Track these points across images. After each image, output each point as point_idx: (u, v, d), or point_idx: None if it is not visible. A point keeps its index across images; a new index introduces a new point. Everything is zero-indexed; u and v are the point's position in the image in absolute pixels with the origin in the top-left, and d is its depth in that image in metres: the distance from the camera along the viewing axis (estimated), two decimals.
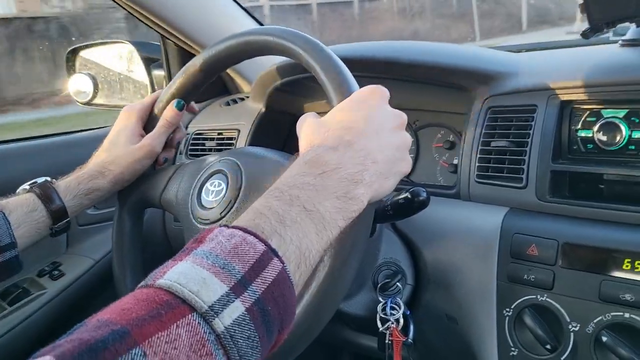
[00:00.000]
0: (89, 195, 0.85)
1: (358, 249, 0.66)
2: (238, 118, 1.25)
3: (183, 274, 0.40)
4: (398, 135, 0.62)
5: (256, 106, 1.23)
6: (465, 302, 0.86)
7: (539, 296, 0.78)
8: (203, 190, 0.82)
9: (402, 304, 0.85)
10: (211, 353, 0.37)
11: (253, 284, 0.42)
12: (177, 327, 0.37)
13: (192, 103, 0.92)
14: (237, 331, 0.39)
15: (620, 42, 0.91)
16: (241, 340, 0.40)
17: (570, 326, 0.76)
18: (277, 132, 1.24)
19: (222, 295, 0.40)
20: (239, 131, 1.22)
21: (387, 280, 0.87)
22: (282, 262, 0.45)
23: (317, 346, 0.74)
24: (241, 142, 1.21)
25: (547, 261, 0.78)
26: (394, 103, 1.04)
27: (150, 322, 0.37)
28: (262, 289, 0.42)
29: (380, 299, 0.86)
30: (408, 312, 0.86)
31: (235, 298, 0.40)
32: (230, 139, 1.23)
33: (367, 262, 0.87)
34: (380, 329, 0.84)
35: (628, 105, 0.78)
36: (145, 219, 0.97)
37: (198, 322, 0.38)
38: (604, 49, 0.95)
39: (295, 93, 1.18)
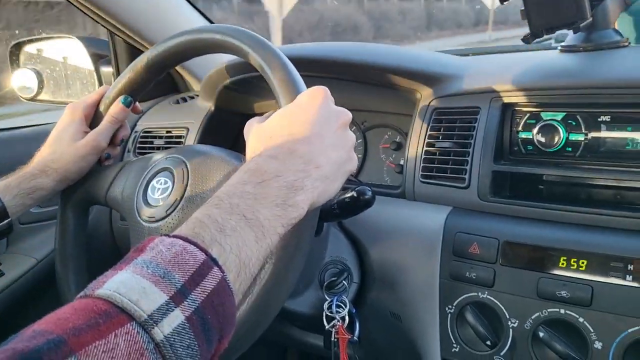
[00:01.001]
0: (32, 194, 0.82)
1: (302, 249, 0.67)
2: (187, 116, 1.23)
3: (122, 283, 0.40)
4: (342, 135, 0.62)
5: (205, 105, 1.22)
6: (409, 299, 0.87)
7: (480, 293, 0.80)
8: (149, 188, 0.81)
9: (347, 302, 0.86)
10: None
11: (193, 293, 0.42)
12: (116, 336, 0.37)
13: (137, 103, 0.90)
14: (176, 340, 0.39)
15: (559, 47, 0.94)
16: (180, 349, 0.40)
17: (509, 322, 0.78)
18: (226, 130, 1.24)
19: (161, 304, 0.40)
20: (187, 129, 1.21)
21: (333, 279, 0.87)
22: (222, 272, 0.45)
23: (264, 345, 0.74)
24: (190, 141, 1.19)
25: (488, 259, 0.80)
26: (342, 103, 1.05)
27: (88, 331, 0.36)
28: (202, 298, 0.42)
29: (327, 297, 0.86)
30: (354, 310, 0.87)
31: (175, 307, 0.40)
32: (179, 137, 1.22)
33: (313, 260, 0.88)
34: (327, 327, 0.85)
35: (566, 109, 0.81)
36: (91, 217, 0.95)
37: (137, 331, 0.38)
38: (545, 54, 0.98)
39: (244, 92, 1.18)
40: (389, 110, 1.06)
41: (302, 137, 0.58)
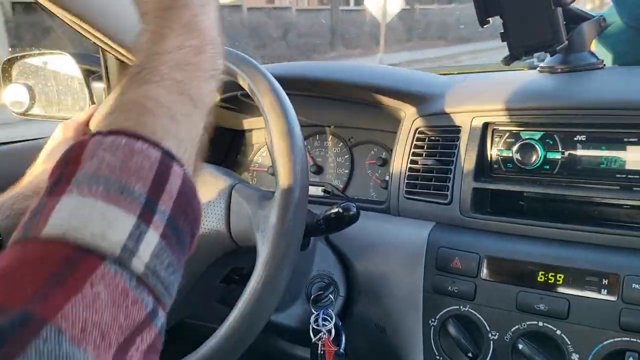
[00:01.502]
0: (23, 216, 0.83)
1: (290, 257, 0.69)
2: None
3: (75, 214, 0.32)
4: None
5: None
6: (393, 312, 0.89)
7: (461, 307, 0.82)
8: None
9: (334, 315, 0.88)
10: (137, 300, 0.31)
11: (160, 203, 0.34)
12: (92, 286, 0.29)
13: None
14: (157, 264, 0.33)
15: (538, 68, 0.98)
16: (162, 272, 0.34)
17: (490, 335, 0.80)
18: (215, 147, 1.26)
19: (132, 229, 0.32)
20: None
21: (319, 293, 0.90)
22: (182, 166, 0.37)
23: (251, 357, 0.76)
24: None
25: (470, 273, 0.82)
26: (330, 120, 1.07)
27: (54, 290, 0.29)
28: (170, 206, 0.35)
29: (313, 310, 0.88)
30: (340, 323, 0.89)
31: (147, 227, 0.33)
32: None
33: (300, 274, 0.90)
34: (313, 340, 0.87)
35: (543, 128, 0.84)
36: None
37: (114, 271, 0.31)
38: (525, 74, 1.01)
39: (234, 109, 1.20)
40: (375, 127, 1.09)
41: None
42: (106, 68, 1.40)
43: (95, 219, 0.31)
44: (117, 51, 1.28)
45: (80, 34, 1.26)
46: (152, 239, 0.33)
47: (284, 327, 0.91)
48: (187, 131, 0.40)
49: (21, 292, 0.28)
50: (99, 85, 1.42)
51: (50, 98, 1.43)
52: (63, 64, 1.42)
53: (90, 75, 1.42)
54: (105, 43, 1.25)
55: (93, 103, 1.39)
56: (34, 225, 0.32)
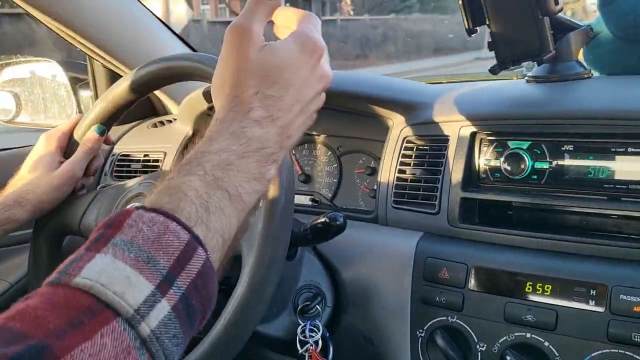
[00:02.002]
0: (4, 226, 0.83)
1: (277, 263, 0.68)
2: (165, 140, 1.24)
3: (104, 272, 0.37)
4: (315, 102, 0.57)
5: (183, 129, 1.23)
6: (381, 323, 0.88)
7: (449, 317, 0.82)
8: None
9: (321, 326, 0.87)
10: (137, 359, 0.36)
11: (179, 279, 0.40)
12: (102, 337, 0.34)
13: (108, 134, 0.91)
14: (162, 332, 0.38)
15: (526, 78, 0.98)
16: (167, 340, 0.38)
17: (478, 346, 0.79)
18: None
19: (148, 296, 0.37)
20: (165, 154, 1.21)
21: (306, 303, 0.89)
22: (206, 251, 0.42)
23: None
24: (167, 165, 1.20)
25: (457, 284, 0.81)
26: (318, 129, 1.07)
27: (71, 332, 0.34)
28: (187, 283, 0.40)
29: (300, 321, 0.87)
30: (327, 334, 0.88)
31: (162, 297, 0.38)
32: (156, 161, 1.23)
33: (287, 285, 0.89)
34: (300, 352, 0.85)
35: (531, 138, 0.84)
36: (67, 243, 0.95)
37: (123, 329, 0.36)
38: (512, 84, 1.01)
39: None
40: (364, 136, 1.08)
41: (287, 105, 0.52)
42: (93, 76, 1.40)
43: (120, 280, 0.37)
44: (104, 59, 1.28)
45: (68, 41, 1.25)
46: (163, 308, 0.38)
47: (270, 338, 0.90)
48: (219, 222, 0.45)
49: (45, 326, 0.33)
50: (86, 93, 1.42)
51: (37, 106, 1.42)
52: (50, 72, 1.41)
53: (77, 83, 1.41)
54: (93, 50, 1.25)
55: (80, 111, 1.38)
56: (68, 273, 0.37)
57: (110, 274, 0.37)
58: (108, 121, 0.88)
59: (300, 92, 0.53)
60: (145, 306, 0.37)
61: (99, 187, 0.95)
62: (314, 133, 1.14)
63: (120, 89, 0.85)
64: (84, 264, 0.38)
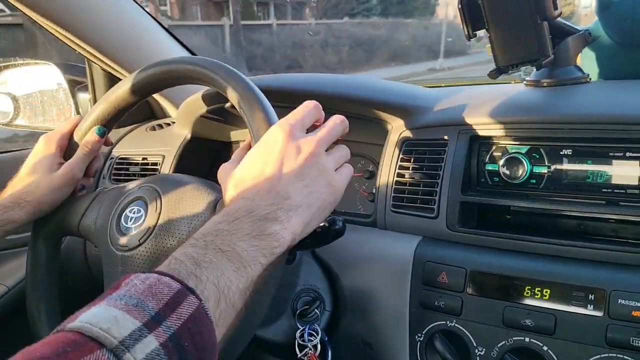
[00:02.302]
0: (3, 227, 0.82)
1: (274, 275, 0.68)
2: (163, 143, 1.24)
3: (94, 315, 0.40)
4: (310, 165, 0.63)
5: (182, 132, 1.23)
6: (380, 327, 0.88)
7: (448, 322, 0.82)
8: (122, 217, 0.82)
9: (319, 330, 0.87)
10: None
11: (168, 320, 0.42)
12: None
13: (108, 135, 0.91)
14: None
15: (524, 82, 0.98)
16: None
17: (476, 350, 0.79)
18: (202, 158, 1.25)
19: (134, 330, 0.40)
20: (163, 157, 1.21)
21: (305, 307, 0.89)
22: (200, 299, 0.45)
23: None
24: (165, 168, 1.20)
25: (456, 288, 0.81)
26: None
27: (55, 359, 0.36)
28: (178, 325, 0.42)
29: (299, 325, 0.87)
30: (326, 338, 0.88)
31: (149, 333, 0.40)
32: (155, 164, 1.22)
33: (286, 289, 0.89)
34: (299, 355, 0.86)
35: (530, 142, 0.84)
36: (65, 245, 0.95)
37: (107, 357, 0.37)
38: (511, 88, 1.01)
39: (221, 120, 1.19)
40: (362, 140, 1.09)
41: (270, 173, 0.60)
42: (92, 78, 1.39)
43: (107, 320, 0.40)
44: (103, 62, 1.28)
45: (66, 44, 1.25)
46: (150, 343, 0.40)
47: (269, 342, 0.89)
48: (212, 273, 0.49)
49: (32, 356, 0.36)
50: (84, 96, 1.42)
51: (35, 109, 1.42)
52: (48, 74, 1.41)
53: (75, 85, 1.41)
54: (91, 53, 1.25)
55: (78, 113, 1.38)
56: (66, 322, 0.41)
57: (98, 316, 0.40)
58: (108, 123, 0.88)
59: (282, 161, 0.61)
60: (130, 339, 0.39)
61: (97, 189, 0.95)
62: None
63: (122, 91, 0.85)
64: (80, 314, 0.41)
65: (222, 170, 0.69)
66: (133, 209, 0.82)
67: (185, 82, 0.81)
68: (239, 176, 0.63)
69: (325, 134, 0.66)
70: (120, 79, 0.88)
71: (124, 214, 0.82)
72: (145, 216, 0.79)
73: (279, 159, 0.61)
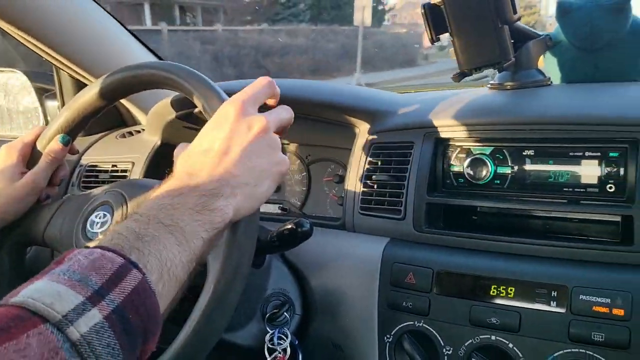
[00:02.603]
0: None
1: (242, 270, 0.68)
2: (133, 150, 1.24)
3: (37, 290, 0.41)
4: (260, 142, 0.63)
5: (152, 139, 1.22)
6: (349, 329, 0.89)
7: (416, 322, 0.82)
8: (88, 223, 0.81)
9: (289, 333, 0.87)
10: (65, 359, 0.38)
11: (111, 294, 0.43)
12: (28, 337, 0.37)
13: (73, 143, 0.90)
14: (94, 338, 0.40)
15: (488, 85, 1.00)
16: (100, 348, 0.40)
17: (444, 350, 0.80)
18: (172, 164, 1.24)
19: (77, 305, 0.40)
20: (133, 164, 1.21)
21: (275, 311, 0.88)
22: (143, 273, 0.46)
23: None
24: (135, 175, 1.19)
25: (423, 289, 0.82)
26: (285, 138, 1.07)
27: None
28: (122, 298, 0.43)
29: (268, 329, 0.87)
30: (296, 342, 0.88)
31: (92, 307, 0.41)
32: (125, 171, 1.22)
33: (255, 293, 0.89)
34: (268, 359, 0.85)
35: (493, 143, 0.85)
36: (33, 255, 0.94)
37: (51, 331, 0.38)
38: (475, 91, 1.03)
39: (191, 126, 1.19)
40: (331, 144, 1.09)
41: (216, 150, 0.60)
42: (60, 86, 1.38)
43: (50, 295, 0.40)
44: (71, 68, 1.27)
45: (33, 51, 1.24)
46: (94, 316, 0.41)
47: (238, 347, 0.89)
48: (154, 247, 0.50)
49: None
50: (53, 104, 1.40)
51: (2, 117, 1.40)
52: (15, 82, 1.39)
53: (44, 93, 1.40)
54: (59, 60, 1.24)
55: (47, 121, 1.37)
56: (8, 296, 0.41)
57: (42, 291, 0.41)
58: (73, 131, 0.87)
59: (231, 138, 0.61)
60: (73, 313, 0.40)
61: (64, 197, 0.94)
62: (283, 142, 1.14)
63: (86, 98, 0.84)
64: (22, 288, 0.41)
65: (176, 150, 0.70)
66: (99, 214, 0.81)
67: (152, 87, 0.81)
68: (188, 152, 0.63)
69: (275, 115, 0.66)
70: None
71: (89, 219, 0.81)
72: (111, 220, 0.79)
73: (228, 135, 0.62)
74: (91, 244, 0.50)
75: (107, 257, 0.45)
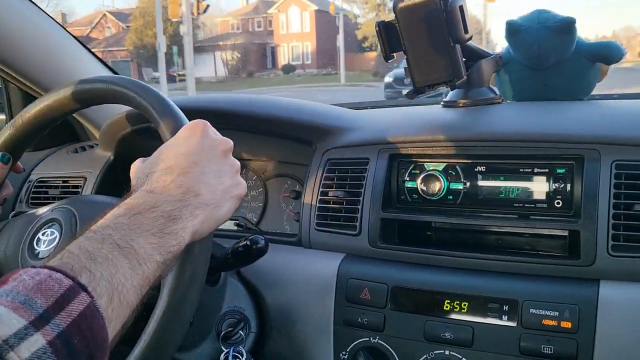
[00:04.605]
0: None
1: (197, 282, 0.67)
2: (85, 166, 1.20)
3: None
4: (223, 163, 0.63)
5: (105, 154, 1.20)
6: (305, 347, 0.88)
7: (371, 338, 0.82)
8: (35, 241, 0.79)
9: (244, 352, 0.85)
10: None
11: (56, 318, 0.41)
12: None
13: (18, 162, 0.86)
14: None
15: (442, 103, 1.02)
16: None
17: None
18: (126, 180, 1.21)
19: (19, 329, 0.39)
20: (85, 179, 1.18)
21: (229, 329, 0.87)
22: (91, 297, 0.45)
23: None
24: (87, 191, 1.16)
25: (378, 304, 0.82)
26: (242, 154, 1.06)
27: None
28: (67, 323, 0.42)
29: (223, 348, 0.86)
30: None
31: (35, 331, 0.40)
32: (76, 187, 1.18)
33: (210, 311, 0.87)
34: None
35: (446, 160, 0.87)
36: None
37: None
38: (429, 108, 1.05)
39: (145, 141, 1.17)
40: (288, 160, 1.09)
41: (180, 168, 0.59)
42: (8, 99, 1.34)
43: None
44: (20, 81, 1.23)
45: None
46: (37, 341, 0.39)
47: None
48: (106, 270, 0.48)
49: None
50: (1, 117, 1.36)
51: None
52: None
53: None
54: (7, 72, 1.20)
55: None
56: None
57: None
58: (18, 148, 0.83)
59: (194, 156, 0.60)
60: (15, 338, 0.38)
61: (11, 215, 0.91)
62: (238, 158, 1.13)
63: (31, 114, 0.81)
64: None
65: (134, 165, 0.67)
66: (46, 232, 0.78)
67: (102, 101, 0.79)
68: (148, 168, 0.61)
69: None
70: None
71: (36, 238, 0.79)
72: (60, 238, 0.76)
73: (192, 153, 0.61)
74: (38, 264, 0.49)
75: (54, 278, 0.43)
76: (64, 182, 1.21)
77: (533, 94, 1.04)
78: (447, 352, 0.78)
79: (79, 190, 1.18)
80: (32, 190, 1.23)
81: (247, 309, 0.91)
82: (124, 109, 1.08)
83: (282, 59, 36.65)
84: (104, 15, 37.85)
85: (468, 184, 0.85)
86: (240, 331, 0.87)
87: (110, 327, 0.46)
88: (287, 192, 1.10)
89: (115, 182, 1.19)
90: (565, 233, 0.80)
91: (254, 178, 1.14)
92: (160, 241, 0.54)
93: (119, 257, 0.50)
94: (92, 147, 1.30)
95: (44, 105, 0.79)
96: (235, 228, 1.10)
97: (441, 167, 0.87)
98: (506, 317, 0.76)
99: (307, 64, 36.12)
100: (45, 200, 1.21)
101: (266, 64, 37.26)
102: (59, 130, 1.35)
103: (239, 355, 0.85)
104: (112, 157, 1.19)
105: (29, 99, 1.29)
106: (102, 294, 0.46)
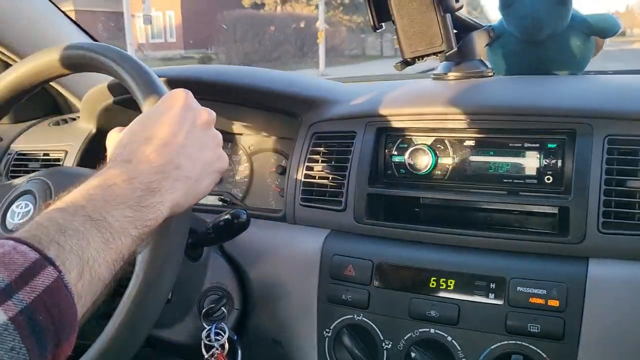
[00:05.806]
0: None
1: (173, 257, 0.65)
2: (66, 138, 1.17)
3: None
4: (205, 135, 0.61)
5: (87, 126, 1.17)
6: (289, 324, 0.87)
7: (355, 316, 0.81)
8: (8, 214, 0.76)
9: (227, 329, 0.84)
10: None
11: (20, 293, 0.39)
12: None
13: None
14: None
15: (432, 75, 0.99)
16: (2, 352, 0.37)
17: (384, 344, 0.79)
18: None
19: None
20: (66, 152, 1.15)
21: (212, 305, 0.85)
22: (59, 271, 0.42)
23: None
24: (68, 164, 1.14)
25: (363, 281, 0.81)
26: (227, 127, 1.04)
27: None
28: (32, 298, 0.40)
29: (205, 325, 0.84)
30: (235, 337, 0.85)
31: None
32: (57, 160, 1.16)
33: (192, 287, 0.85)
34: (205, 356, 0.82)
35: (434, 134, 0.84)
36: None
37: None
38: (418, 81, 1.02)
39: (129, 113, 1.14)
40: (275, 135, 1.06)
41: (160, 138, 0.56)
42: None
43: None
44: None
45: None
46: None
47: (174, 344, 0.86)
48: (77, 245, 0.45)
49: None
50: None
51: None
52: None
53: None
54: None
55: None
56: None
57: None
58: None
59: (175, 127, 0.58)
60: None
61: None
62: (223, 132, 1.11)
63: (8, 80, 0.78)
64: None
65: (110, 135, 0.65)
66: (20, 204, 0.76)
67: (82, 69, 0.76)
68: (125, 138, 0.58)
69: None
70: None
71: (10, 210, 0.76)
72: (35, 209, 0.74)
73: (174, 124, 0.58)
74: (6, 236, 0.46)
75: (19, 250, 0.41)
76: (44, 154, 1.19)
77: (526, 67, 1.01)
78: (432, 330, 0.76)
79: (60, 163, 1.15)
80: (12, 163, 1.20)
81: (230, 285, 0.89)
82: (107, 79, 1.05)
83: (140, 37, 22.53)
84: None
85: (457, 158, 0.83)
86: (222, 308, 0.86)
87: (79, 303, 0.44)
88: (273, 167, 1.07)
89: (98, 156, 1.15)
90: (555, 210, 0.78)
91: (239, 153, 1.11)
92: (136, 214, 0.51)
93: (92, 230, 0.47)
94: (74, 119, 1.27)
95: (22, 72, 0.76)
96: (220, 203, 1.08)
97: (429, 141, 0.85)
98: (493, 295, 0.74)
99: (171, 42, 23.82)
100: (25, 173, 1.18)
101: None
102: (40, 102, 1.31)
103: (221, 332, 0.84)
104: (93, 130, 1.16)
105: (5, 67, 1.25)
106: (71, 269, 0.44)
